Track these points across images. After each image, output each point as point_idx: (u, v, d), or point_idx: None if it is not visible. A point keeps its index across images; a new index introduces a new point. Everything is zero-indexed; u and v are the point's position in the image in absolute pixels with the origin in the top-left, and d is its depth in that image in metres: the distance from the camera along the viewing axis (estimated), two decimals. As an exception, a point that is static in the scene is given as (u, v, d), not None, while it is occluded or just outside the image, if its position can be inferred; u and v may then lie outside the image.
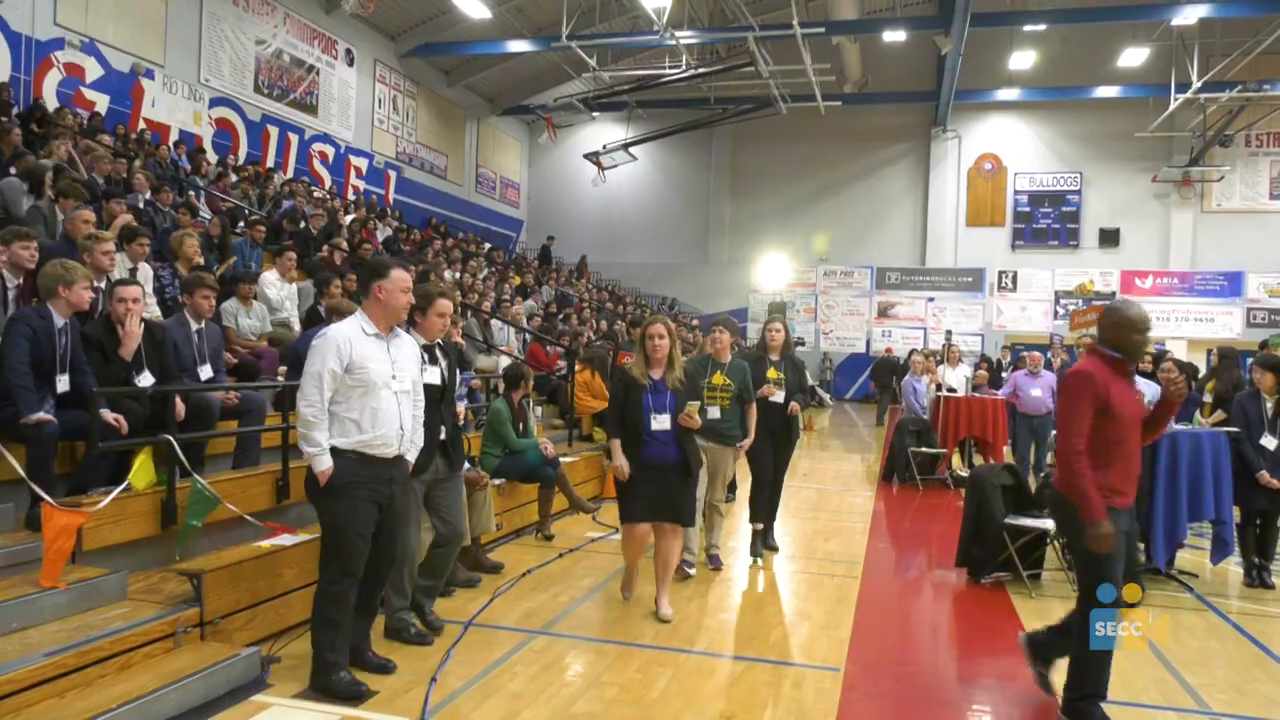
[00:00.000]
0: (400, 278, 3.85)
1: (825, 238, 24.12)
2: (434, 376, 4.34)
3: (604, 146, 22.09)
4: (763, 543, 6.67)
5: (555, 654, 4.50)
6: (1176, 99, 19.02)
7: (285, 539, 4.75)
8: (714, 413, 5.83)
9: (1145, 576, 6.32)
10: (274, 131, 18.03)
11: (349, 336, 3.76)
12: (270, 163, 17.51)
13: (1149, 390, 5.89)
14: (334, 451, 3.76)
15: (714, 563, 6.22)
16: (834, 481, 10.74)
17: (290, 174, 17.52)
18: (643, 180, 25.39)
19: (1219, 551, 6.40)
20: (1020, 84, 21.66)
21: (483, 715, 3.75)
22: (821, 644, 4.79)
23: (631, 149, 22.07)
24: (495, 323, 11.07)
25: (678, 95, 21.84)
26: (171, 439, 4.53)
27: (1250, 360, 9.52)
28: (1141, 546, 6.38)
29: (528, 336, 11.69)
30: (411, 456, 4.03)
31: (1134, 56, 19.49)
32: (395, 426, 3.85)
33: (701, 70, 19.07)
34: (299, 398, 3.77)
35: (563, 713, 3.75)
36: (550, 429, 9.43)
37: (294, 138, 18.60)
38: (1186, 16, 16.77)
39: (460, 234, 20.27)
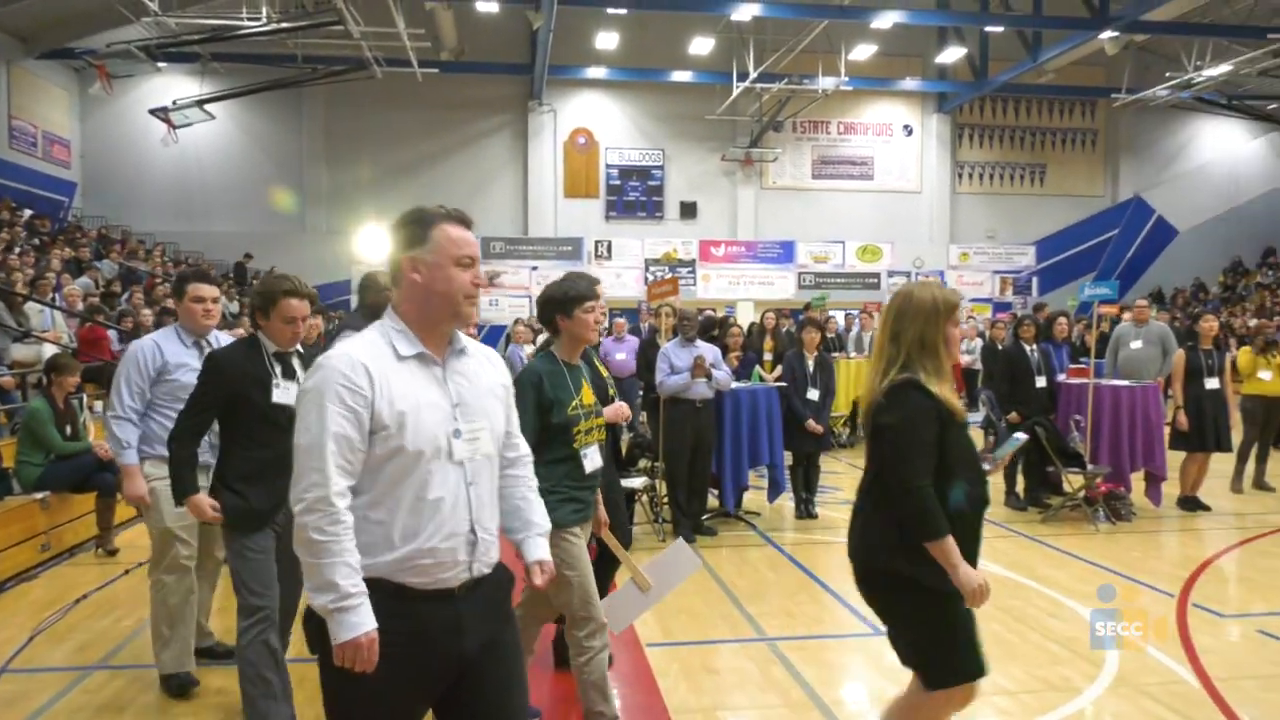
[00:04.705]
0: (452, 240, 2.11)
1: (288, 196, 23.46)
2: (289, 395, 3.29)
3: (174, 102, 19.65)
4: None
5: (114, 691, 3.94)
6: (738, 87, 21.28)
7: None
8: (595, 458, 3.38)
9: (717, 519, 7.07)
10: None
11: (363, 363, 2.01)
12: None
13: (710, 353, 6.49)
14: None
15: None
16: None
17: None
18: (225, 142, 23.07)
19: (774, 491, 7.34)
20: (607, 63, 22.86)
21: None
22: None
23: (208, 107, 19.89)
24: (34, 304, 9.41)
25: (260, 50, 20.02)
26: None
27: (800, 317, 11.01)
28: (715, 493, 7.12)
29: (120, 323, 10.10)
30: (480, 567, 2.13)
31: (702, 45, 21.48)
32: (462, 526, 2.07)
33: (285, 25, 17.66)
34: (292, 495, 2.02)
35: (119, 760, 3.28)
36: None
37: None
38: (743, 13, 18.82)
39: (-10, 198, 17.00)
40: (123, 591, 5.40)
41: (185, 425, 3.37)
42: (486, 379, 2.21)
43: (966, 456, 2.61)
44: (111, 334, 10.05)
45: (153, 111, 19.84)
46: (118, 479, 6.10)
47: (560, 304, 3.34)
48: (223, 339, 4.14)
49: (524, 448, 2.41)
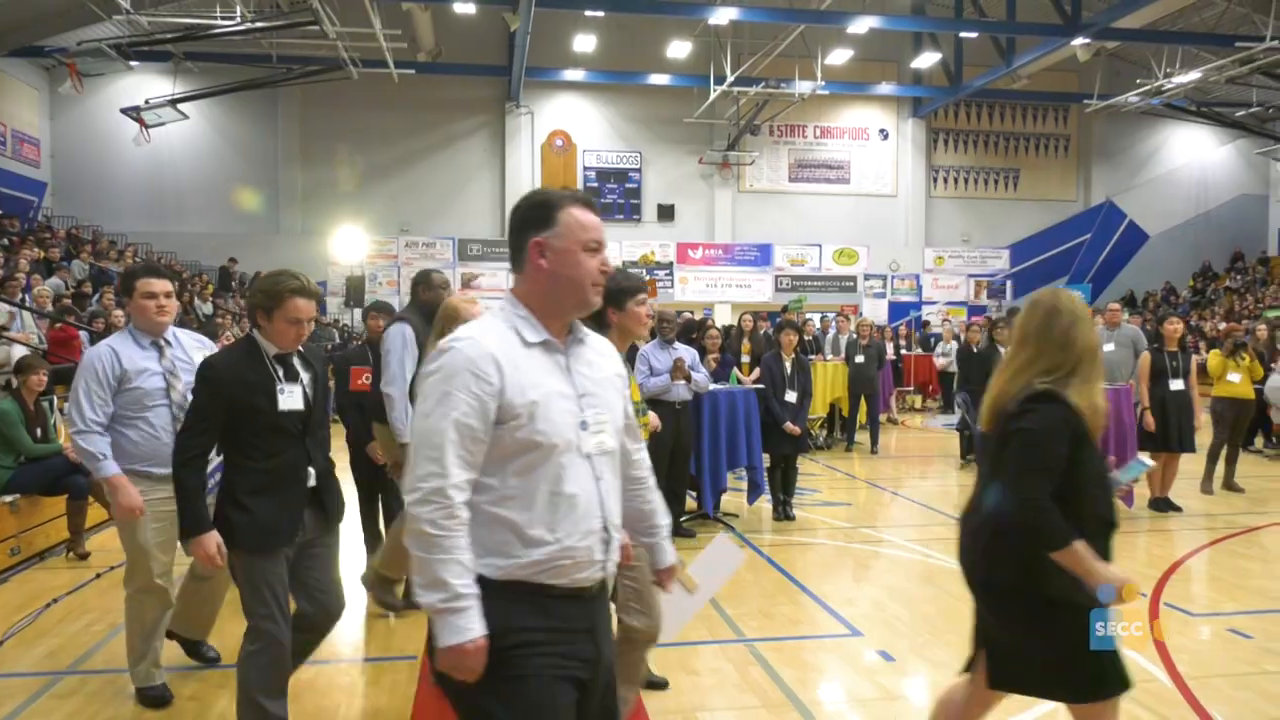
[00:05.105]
0: (581, 224, 1.99)
1: (254, 195, 23.21)
2: (295, 399, 3.15)
3: (146, 101, 19.44)
4: None
5: (86, 696, 3.88)
6: (715, 90, 21.35)
7: None
8: (647, 458, 3.39)
9: (696, 521, 7.08)
10: None
11: (491, 351, 1.89)
12: None
13: (689, 355, 6.50)
14: (483, 587, 1.86)
15: None
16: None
17: None
18: (199, 142, 22.84)
19: (753, 493, 7.36)
20: (585, 66, 22.85)
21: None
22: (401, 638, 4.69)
23: (181, 106, 19.70)
24: (2, 305, 9.28)
25: (234, 49, 19.86)
26: None
27: (778, 320, 11.09)
28: (694, 494, 7.13)
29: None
30: (611, 566, 2.02)
31: (680, 49, 21.56)
32: (596, 523, 1.95)
33: (259, 25, 17.51)
34: (406, 484, 1.88)
35: (91, 767, 3.24)
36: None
37: None
38: (720, 17, 18.87)
39: (-43, 197, 16.75)
40: (94, 596, 5.32)
41: (191, 447, 3.07)
42: (605, 369, 2.09)
43: (1097, 475, 2.51)
44: (83, 335, 9.94)
45: (125, 111, 19.64)
46: (89, 482, 6.03)
47: (613, 296, 3.18)
48: (181, 337, 3.94)
49: (642, 446, 2.32)
